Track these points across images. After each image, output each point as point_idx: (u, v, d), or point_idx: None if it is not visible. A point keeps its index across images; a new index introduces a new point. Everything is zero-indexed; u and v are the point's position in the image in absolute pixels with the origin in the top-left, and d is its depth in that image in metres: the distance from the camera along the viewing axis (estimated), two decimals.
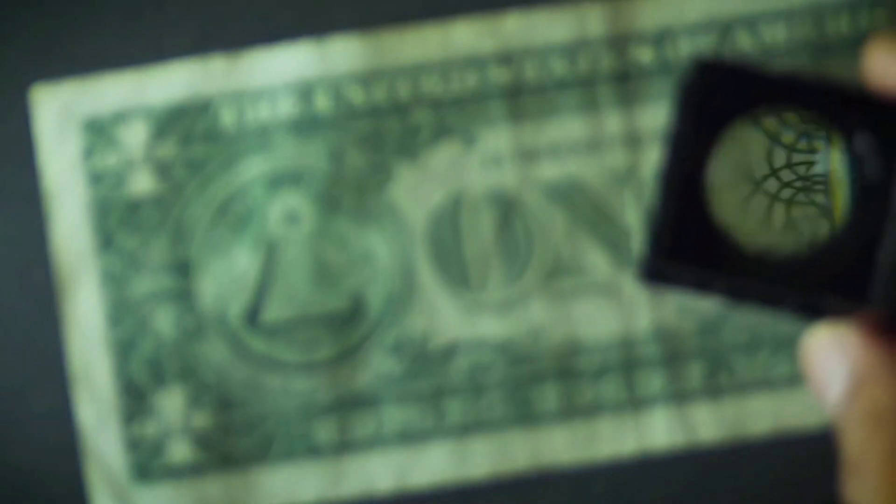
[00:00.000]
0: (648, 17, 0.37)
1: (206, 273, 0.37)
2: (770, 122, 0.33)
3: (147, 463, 0.36)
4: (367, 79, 0.37)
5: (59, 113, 0.37)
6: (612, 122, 0.36)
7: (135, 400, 0.37)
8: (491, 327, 0.37)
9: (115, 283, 0.37)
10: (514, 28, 0.37)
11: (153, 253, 0.37)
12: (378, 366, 0.36)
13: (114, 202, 0.37)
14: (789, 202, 0.34)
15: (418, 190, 0.37)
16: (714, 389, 0.36)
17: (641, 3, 0.37)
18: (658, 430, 0.36)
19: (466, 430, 0.36)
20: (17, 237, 0.37)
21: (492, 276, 0.37)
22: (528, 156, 0.37)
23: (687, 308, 0.37)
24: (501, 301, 0.37)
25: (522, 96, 0.37)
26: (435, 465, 0.36)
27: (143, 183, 0.37)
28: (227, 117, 0.37)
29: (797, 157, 0.34)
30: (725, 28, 0.37)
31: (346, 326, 0.37)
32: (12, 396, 0.37)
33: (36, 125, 0.37)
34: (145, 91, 0.37)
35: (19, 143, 0.37)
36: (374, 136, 0.37)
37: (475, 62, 0.37)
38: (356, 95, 0.37)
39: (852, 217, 0.30)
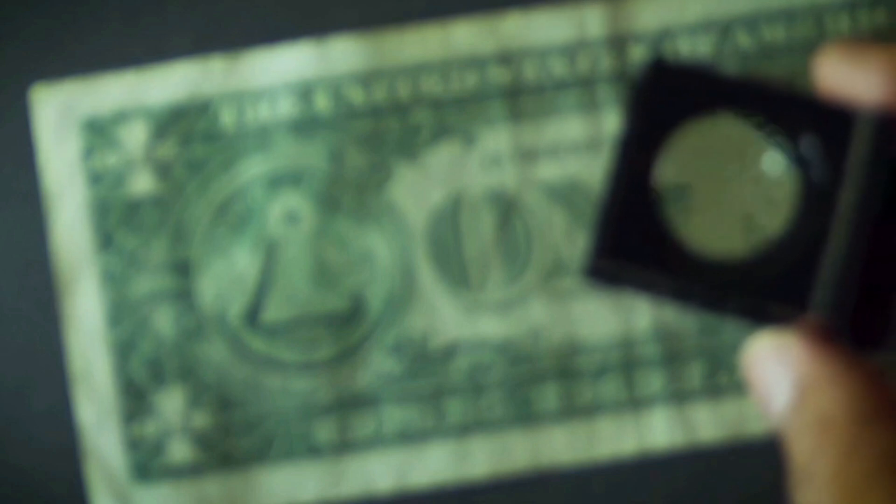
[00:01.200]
0: (648, 17, 0.37)
1: (206, 273, 0.37)
2: (720, 123, 0.33)
3: (147, 463, 0.36)
4: (367, 79, 0.37)
5: (59, 113, 0.37)
6: (612, 122, 0.36)
7: (135, 400, 0.37)
8: (491, 327, 0.37)
9: (115, 283, 0.37)
10: (514, 28, 0.37)
11: (153, 253, 0.37)
12: (378, 366, 0.37)
13: (114, 202, 0.37)
14: (738, 205, 0.34)
15: (418, 190, 0.37)
16: (714, 389, 0.36)
17: (641, 3, 0.37)
18: (658, 430, 0.36)
19: (466, 430, 0.36)
20: (17, 237, 0.37)
21: (492, 276, 0.37)
22: (527, 156, 0.37)
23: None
24: (501, 301, 0.37)
25: (522, 96, 0.37)
26: (435, 465, 0.36)
27: (143, 183, 0.37)
28: (227, 117, 0.37)
29: (747, 160, 0.34)
30: (725, 28, 0.37)
31: (346, 326, 0.37)
32: (12, 396, 0.37)
33: (36, 125, 0.37)
34: (145, 91, 0.37)
35: (19, 143, 0.37)
36: (374, 136, 0.37)
37: (475, 62, 0.37)
38: (356, 95, 0.37)
39: (797, 222, 0.30)
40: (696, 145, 0.32)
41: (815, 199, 0.30)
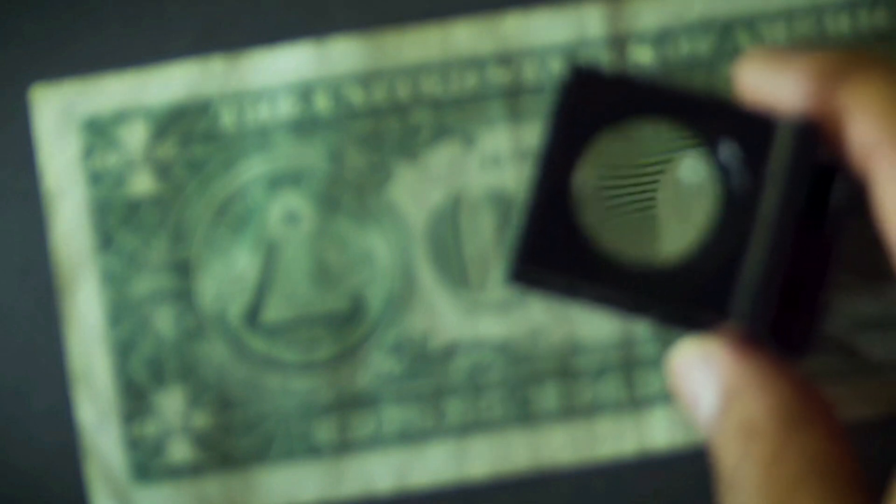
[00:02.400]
0: (648, 17, 0.37)
1: (206, 273, 0.37)
2: (640, 131, 0.33)
3: (147, 462, 0.37)
4: (367, 79, 0.37)
5: (59, 113, 0.37)
6: None
7: (135, 400, 0.37)
8: (491, 327, 0.37)
9: (115, 282, 0.37)
10: (514, 28, 0.37)
11: (153, 253, 0.37)
12: (378, 366, 0.37)
13: (114, 202, 0.37)
14: (659, 211, 0.34)
15: (418, 190, 0.37)
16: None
17: (641, 3, 0.37)
18: (658, 430, 0.36)
19: (466, 429, 0.36)
20: (17, 237, 0.37)
21: (492, 276, 0.37)
22: (527, 156, 0.37)
23: None
24: (501, 301, 0.37)
25: (522, 96, 0.37)
26: (435, 465, 0.36)
27: (143, 183, 0.37)
28: (227, 117, 0.37)
29: (667, 167, 0.34)
30: (725, 28, 0.37)
31: (346, 326, 0.37)
32: (12, 396, 0.37)
33: (36, 125, 0.37)
34: (145, 91, 0.37)
35: (19, 143, 0.37)
36: (374, 137, 0.37)
37: (475, 62, 0.37)
38: (356, 96, 0.37)
39: (718, 229, 0.30)
40: (617, 152, 0.32)
41: (736, 206, 0.30)
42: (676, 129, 0.30)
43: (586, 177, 0.30)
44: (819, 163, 0.30)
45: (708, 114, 0.30)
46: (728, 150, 0.30)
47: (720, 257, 0.30)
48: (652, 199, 0.34)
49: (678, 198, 0.34)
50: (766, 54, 0.31)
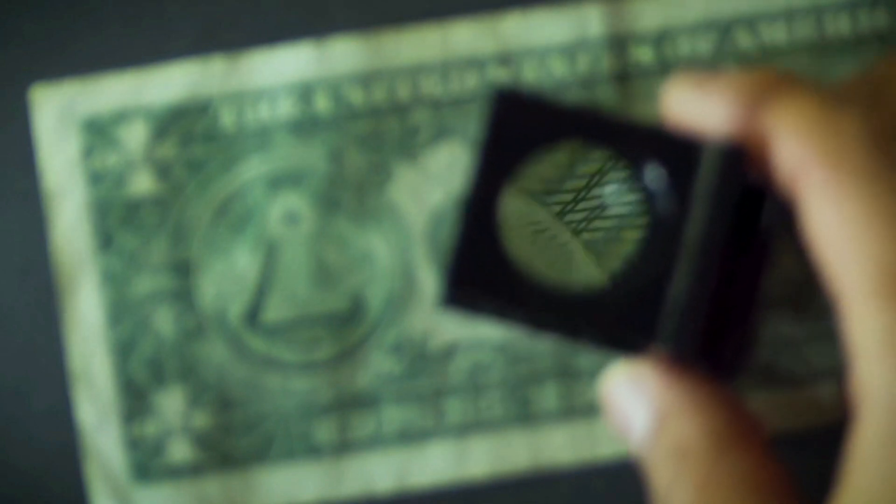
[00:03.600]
0: (648, 17, 0.37)
1: (206, 273, 0.37)
2: (567, 155, 0.33)
3: (147, 462, 0.37)
4: (367, 79, 0.37)
5: (59, 113, 0.37)
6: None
7: (135, 399, 0.37)
8: (490, 327, 0.37)
9: (115, 282, 0.37)
10: (514, 28, 0.37)
11: (153, 253, 0.37)
12: (378, 366, 0.37)
13: (114, 202, 0.37)
14: (586, 235, 0.34)
15: (418, 190, 0.37)
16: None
17: (641, 3, 0.37)
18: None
19: (466, 429, 0.36)
20: (17, 237, 0.37)
21: None
22: None
23: None
24: None
25: None
26: (435, 465, 0.36)
27: (143, 183, 0.37)
28: (227, 117, 0.37)
29: (594, 191, 0.34)
30: (725, 28, 0.37)
31: (346, 326, 0.37)
32: (12, 396, 0.37)
33: (36, 125, 0.37)
34: (145, 91, 0.37)
35: (19, 143, 0.37)
36: (374, 137, 0.37)
37: (475, 63, 0.37)
38: (356, 96, 0.37)
39: (644, 253, 0.30)
40: (544, 176, 0.32)
41: (662, 230, 0.30)
42: (603, 153, 0.30)
43: (514, 201, 0.30)
44: (749, 184, 0.30)
45: (634, 138, 0.30)
46: (654, 174, 0.30)
47: (647, 281, 0.30)
48: (579, 223, 0.34)
49: (605, 222, 0.34)
50: (693, 78, 0.31)
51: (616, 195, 0.34)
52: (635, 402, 0.31)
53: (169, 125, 0.37)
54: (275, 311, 0.37)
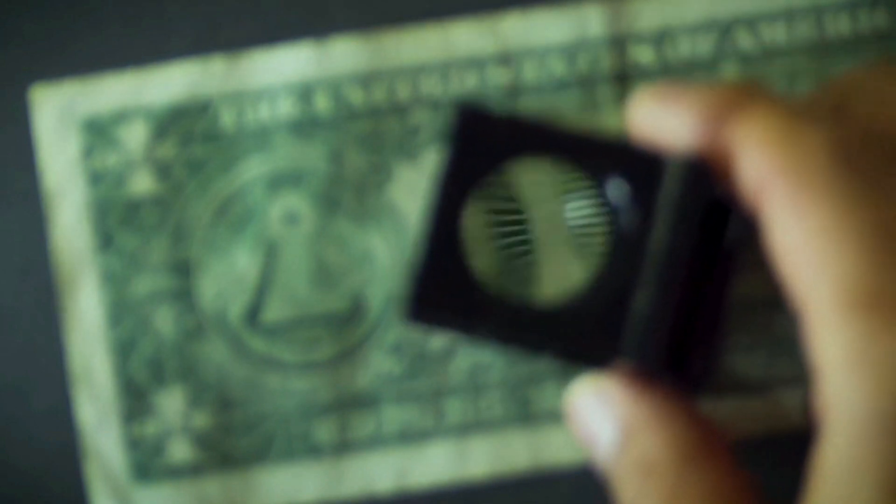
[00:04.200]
0: (648, 17, 0.37)
1: (206, 273, 0.37)
2: (530, 171, 0.33)
3: (147, 462, 0.37)
4: (367, 79, 0.37)
5: (59, 113, 0.37)
6: (612, 123, 0.36)
7: (135, 399, 0.37)
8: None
9: (115, 282, 0.37)
10: (514, 28, 0.37)
11: (153, 253, 0.37)
12: (378, 365, 0.37)
13: (114, 202, 0.37)
14: (551, 249, 0.34)
15: (418, 190, 0.37)
16: (713, 389, 0.36)
17: (641, 3, 0.37)
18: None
19: (466, 429, 0.36)
20: (17, 237, 0.37)
21: None
22: None
23: None
24: None
25: (522, 97, 0.37)
26: (435, 465, 0.36)
27: (143, 183, 0.37)
28: (227, 118, 0.37)
29: (557, 206, 0.34)
30: (725, 28, 0.37)
31: (346, 326, 0.37)
32: (12, 396, 0.37)
33: (36, 125, 0.37)
34: (145, 91, 0.37)
35: (19, 143, 0.37)
36: (374, 137, 0.37)
37: (474, 63, 0.37)
38: (356, 96, 0.37)
39: (609, 267, 0.30)
40: (507, 192, 0.32)
41: (626, 245, 0.30)
42: (566, 168, 0.30)
43: (478, 216, 0.30)
44: (715, 198, 0.30)
45: (597, 152, 0.30)
46: (617, 189, 0.30)
47: (612, 295, 0.30)
48: (543, 238, 0.34)
49: (569, 236, 0.34)
50: (657, 91, 0.31)
51: (580, 209, 0.34)
52: (601, 417, 0.31)
53: (169, 125, 0.37)
54: (275, 311, 0.37)
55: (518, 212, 0.34)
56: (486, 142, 0.30)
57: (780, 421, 0.36)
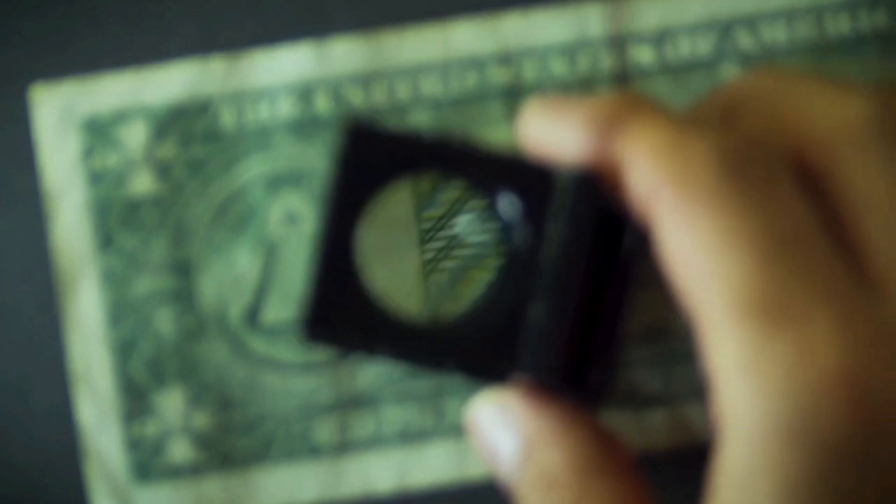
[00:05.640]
0: (648, 17, 0.37)
1: (206, 273, 0.37)
2: (424, 185, 0.33)
3: (147, 462, 0.37)
4: (367, 79, 0.37)
5: (59, 113, 0.37)
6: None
7: (135, 399, 0.37)
8: None
9: (115, 282, 0.37)
10: (514, 28, 0.37)
11: (153, 253, 0.37)
12: (378, 365, 0.36)
13: (114, 202, 0.37)
14: (446, 265, 0.34)
15: None
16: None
17: (641, 3, 0.37)
18: (658, 430, 0.36)
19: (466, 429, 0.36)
20: (17, 237, 0.37)
21: None
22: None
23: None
24: None
25: (522, 96, 0.37)
26: (435, 464, 0.37)
27: (143, 183, 0.37)
28: (227, 117, 0.37)
29: (452, 221, 0.34)
30: (725, 28, 0.37)
31: None
32: (12, 396, 0.37)
33: (36, 125, 0.37)
34: (145, 91, 0.37)
35: (19, 143, 0.37)
36: None
37: (475, 62, 0.37)
38: (356, 96, 0.37)
39: (503, 282, 0.30)
40: (399, 209, 0.32)
41: (519, 259, 0.30)
42: (457, 183, 0.30)
43: (370, 234, 0.30)
44: (609, 211, 0.30)
45: (487, 167, 0.30)
46: (507, 204, 0.30)
47: (507, 310, 0.30)
48: (438, 253, 0.34)
49: (464, 251, 0.34)
50: (546, 105, 0.31)
51: (472, 225, 0.34)
52: (502, 431, 0.31)
53: (169, 125, 0.37)
54: (275, 311, 0.37)
55: (413, 226, 0.34)
56: (376, 159, 0.30)
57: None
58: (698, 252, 0.28)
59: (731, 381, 0.28)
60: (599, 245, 0.30)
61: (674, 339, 0.36)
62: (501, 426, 0.31)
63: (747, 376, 0.27)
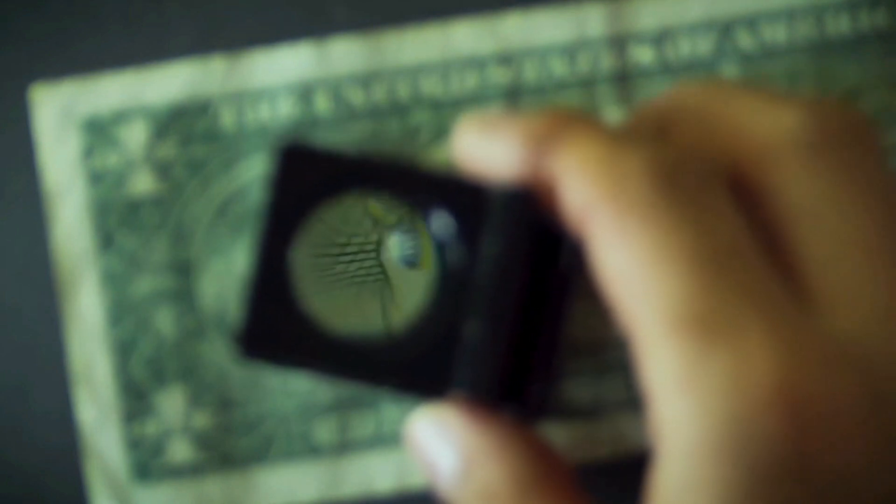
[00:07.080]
0: (648, 17, 0.37)
1: (206, 273, 0.37)
2: (355, 206, 0.33)
3: (147, 462, 0.37)
4: (367, 80, 0.37)
5: (59, 113, 0.37)
6: (613, 122, 0.36)
7: (135, 399, 0.37)
8: None
9: (115, 282, 0.37)
10: (514, 28, 0.37)
11: (153, 253, 0.37)
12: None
13: (114, 202, 0.37)
14: (381, 284, 0.34)
15: None
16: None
17: (641, 3, 0.37)
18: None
19: None
20: (17, 237, 0.37)
21: None
22: None
23: None
24: None
25: (522, 97, 0.37)
26: None
27: (143, 183, 0.37)
28: (227, 117, 0.37)
29: (382, 241, 0.34)
30: (725, 28, 0.37)
31: None
32: (12, 396, 0.37)
33: (36, 125, 0.37)
34: (145, 91, 0.37)
35: (19, 143, 0.37)
36: (374, 137, 0.37)
37: (475, 63, 0.37)
38: (356, 96, 0.37)
39: (438, 299, 0.30)
40: (333, 228, 0.33)
41: (453, 277, 0.30)
42: (391, 202, 0.30)
43: (305, 253, 0.31)
44: (543, 227, 0.30)
45: (421, 185, 0.30)
46: (440, 222, 0.30)
47: (442, 327, 0.30)
48: (369, 273, 0.34)
49: (396, 270, 0.34)
50: (480, 121, 0.31)
51: (406, 242, 0.34)
52: (441, 446, 0.31)
53: (169, 125, 0.37)
54: None
55: (348, 245, 0.34)
56: (310, 178, 0.30)
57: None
58: (632, 267, 0.28)
59: (668, 397, 0.27)
60: (535, 261, 0.30)
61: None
62: (439, 442, 0.31)
63: (683, 392, 0.27)
